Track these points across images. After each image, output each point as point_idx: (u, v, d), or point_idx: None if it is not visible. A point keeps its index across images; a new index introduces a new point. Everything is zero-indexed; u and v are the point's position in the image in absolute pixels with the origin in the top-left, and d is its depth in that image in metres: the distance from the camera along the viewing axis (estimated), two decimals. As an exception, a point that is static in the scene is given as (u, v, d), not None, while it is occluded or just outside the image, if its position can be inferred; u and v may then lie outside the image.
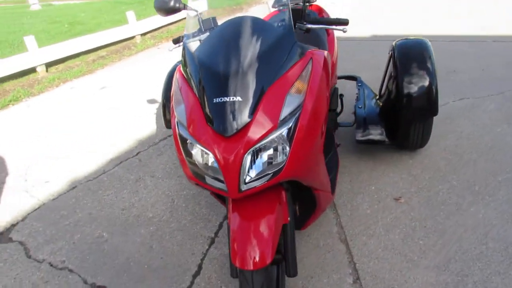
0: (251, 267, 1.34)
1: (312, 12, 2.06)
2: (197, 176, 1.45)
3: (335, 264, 1.95)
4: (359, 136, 2.55)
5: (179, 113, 1.49)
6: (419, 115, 2.40)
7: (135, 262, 2.11)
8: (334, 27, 1.81)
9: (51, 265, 2.16)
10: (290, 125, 1.36)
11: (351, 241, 2.08)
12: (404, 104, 2.37)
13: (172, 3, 1.71)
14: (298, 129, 1.37)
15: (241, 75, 1.37)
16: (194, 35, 1.72)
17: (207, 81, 1.41)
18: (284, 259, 1.60)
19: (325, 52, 1.71)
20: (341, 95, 2.81)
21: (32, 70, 5.51)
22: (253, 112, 1.34)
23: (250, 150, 1.32)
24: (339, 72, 3.84)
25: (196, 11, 1.76)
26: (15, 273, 2.13)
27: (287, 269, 1.61)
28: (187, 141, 1.43)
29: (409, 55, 2.45)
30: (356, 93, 2.99)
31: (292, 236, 1.58)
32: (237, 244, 1.38)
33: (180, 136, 1.46)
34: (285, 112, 1.37)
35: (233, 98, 1.34)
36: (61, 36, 7.18)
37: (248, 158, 1.33)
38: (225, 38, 1.47)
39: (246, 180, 1.36)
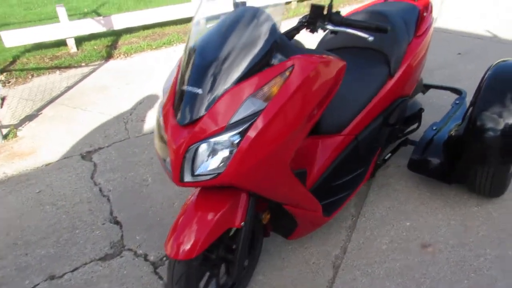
0: (175, 256, 1.41)
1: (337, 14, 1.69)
2: (160, 156, 1.52)
3: (310, 287, 1.86)
4: (411, 162, 2.21)
5: (164, 94, 1.57)
6: (490, 158, 1.96)
7: (153, 212, 2.38)
8: (360, 33, 1.58)
9: (100, 190, 2.60)
10: (240, 130, 1.29)
11: (342, 270, 1.92)
12: (476, 139, 1.95)
13: None
14: (245, 137, 1.29)
15: (211, 68, 1.35)
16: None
17: (183, 68, 1.44)
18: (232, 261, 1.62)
19: (329, 59, 1.50)
20: (421, 109, 2.44)
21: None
22: (208, 108, 1.32)
23: (195, 145, 1.31)
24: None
25: None
26: (75, 187, 2.64)
27: (231, 272, 1.63)
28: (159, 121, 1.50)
29: (506, 82, 1.97)
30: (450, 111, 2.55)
31: (244, 243, 1.57)
32: (173, 231, 1.46)
33: (157, 115, 1.54)
34: (238, 115, 1.30)
35: (195, 89, 1.35)
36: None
37: (192, 151, 1.32)
38: (217, 29, 1.45)
39: (195, 173, 1.37)
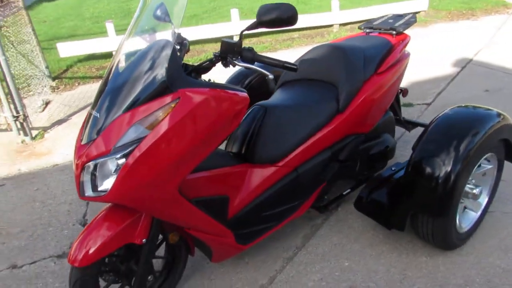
0: (72, 262, 1.56)
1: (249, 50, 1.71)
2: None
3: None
4: (357, 200, 2.15)
5: None
6: (425, 206, 1.87)
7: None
8: (262, 70, 1.63)
9: (84, 194, 2.86)
10: (123, 153, 1.41)
11: (261, 300, 1.94)
12: (411, 186, 1.88)
13: None
14: (128, 160, 1.40)
15: (111, 95, 1.50)
16: None
17: (96, 94, 1.60)
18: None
19: (225, 94, 1.56)
20: (388, 148, 2.37)
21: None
22: (100, 131, 1.46)
23: (89, 163, 1.45)
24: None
25: None
26: (67, 188, 2.93)
27: (134, 284, 1.75)
28: None
29: (448, 130, 1.89)
30: None
31: (144, 258, 1.68)
32: (77, 239, 1.61)
33: None
34: (123, 140, 1.42)
35: (95, 113, 1.51)
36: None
37: (88, 169, 1.46)
38: (129, 61, 1.60)
39: (98, 189, 1.49)
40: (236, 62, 1.67)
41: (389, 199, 2.01)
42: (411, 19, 2.60)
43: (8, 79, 3.62)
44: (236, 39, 1.69)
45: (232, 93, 1.59)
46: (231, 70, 2.22)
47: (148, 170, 1.44)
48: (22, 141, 3.77)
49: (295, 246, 2.25)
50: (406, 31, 2.54)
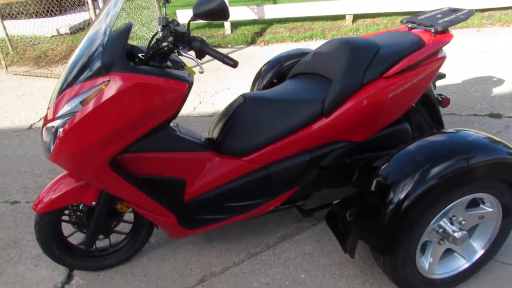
0: (33, 208, 1.87)
1: (198, 40, 1.70)
2: None
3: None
4: (328, 214, 1.94)
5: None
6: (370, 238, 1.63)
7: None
8: (199, 63, 1.60)
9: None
10: (61, 122, 1.60)
11: (205, 282, 1.99)
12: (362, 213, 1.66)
13: None
14: (63, 129, 1.59)
15: (68, 67, 1.68)
16: None
17: None
18: None
19: (158, 81, 1.60)
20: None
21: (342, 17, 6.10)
22: (53, 101, 1.68)
23: (46, 125, 1.69)
24: None
25: None
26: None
27: (85, 240, 1.99)
28: None
29: (417, 155, 1.58)
30: None
31: (96, 220, 1.91)
32: (43, 189, 1.91)
33: None
34: (62, 111, 1.61)
35: (58, 86, 1.72)
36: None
37: (44, 132, 1.71)
38: (90, 36, 1.75)
39: (50, 150, 1.71)
40: (182, 51, 1.69)
41: (345, 220, 1.79)
42: (461, 16, 2.12)
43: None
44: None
45: (165, 81, 1.62)
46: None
47: (77, 142, 1.60)
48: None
49: (266, 244, 2.20)
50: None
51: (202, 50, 1.70)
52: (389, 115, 2.02)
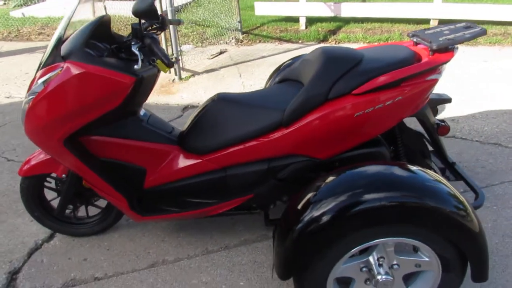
0: (18, 172, 2.14)
1: (150, 37, 1.74)
2: None
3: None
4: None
5: None
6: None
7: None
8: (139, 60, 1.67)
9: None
10: (29, 98, 1.79)
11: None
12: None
13: None
14: (29, 106, 1.77)
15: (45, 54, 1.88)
16: None
17: None
18: None
19: (102, 73, 1.69)
20: None
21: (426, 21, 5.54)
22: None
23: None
24: None
25: None
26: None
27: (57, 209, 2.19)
28: None
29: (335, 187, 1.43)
30: None
31: (65, 191, 2.11)
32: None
33: None
34: (32, 89, 1.79)
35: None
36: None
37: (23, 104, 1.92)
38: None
39: None
40: (132, 47, 1.75)
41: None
42: (467, 35, 1.81)
43: (171, 28, 4.45)
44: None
45: (112, 73, 1.71)
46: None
47: (36, 119, 1.79)
48: (173, 80, 4.65)
49: (225, 245, 2.19)
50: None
51: (150, 47, 1.75)
52: (356, 136, 1.85)
